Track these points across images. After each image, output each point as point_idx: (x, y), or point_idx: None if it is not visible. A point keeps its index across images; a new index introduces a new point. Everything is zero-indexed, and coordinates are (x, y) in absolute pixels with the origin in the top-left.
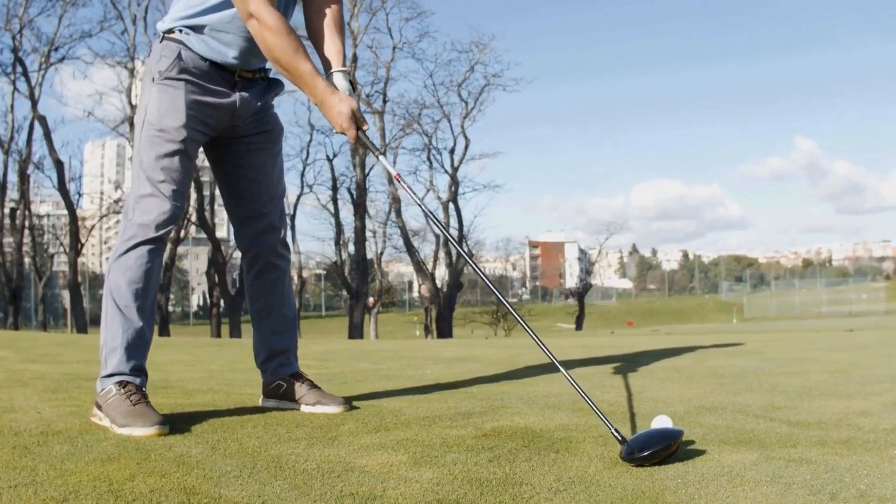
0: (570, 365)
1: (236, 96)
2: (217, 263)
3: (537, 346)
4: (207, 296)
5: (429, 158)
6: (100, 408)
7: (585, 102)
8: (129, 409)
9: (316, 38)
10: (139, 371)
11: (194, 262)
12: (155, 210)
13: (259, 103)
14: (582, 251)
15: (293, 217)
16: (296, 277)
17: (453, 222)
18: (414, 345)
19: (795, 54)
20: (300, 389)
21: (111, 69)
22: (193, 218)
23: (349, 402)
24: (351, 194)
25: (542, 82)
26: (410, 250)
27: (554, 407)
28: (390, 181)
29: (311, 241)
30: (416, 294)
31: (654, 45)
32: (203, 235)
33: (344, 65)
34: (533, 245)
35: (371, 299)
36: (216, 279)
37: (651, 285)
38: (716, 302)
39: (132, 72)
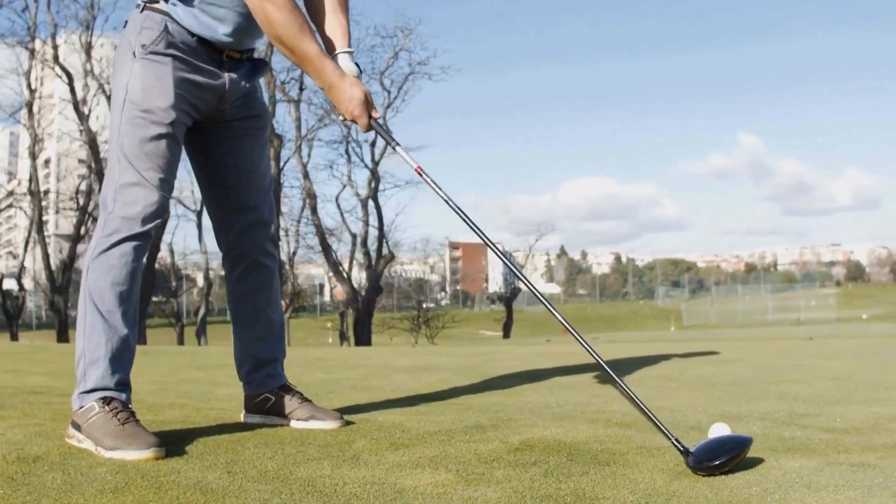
0: (545, 374)
1: (225, 77)
2: None
3: (501, 353)
4: None
5: (347, 152)
6: (78, 428)
7: (512, 93)
8: (116, 429)
9: (316, 14)
10: (124, 385)
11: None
12: (141, 201)
13: (247, 85)
14: (507, 253)
15: (199, 213)
16: (201, 279)
17: (373, 220)
18: (359, 352)
19: (740, 45)
20: (290, 403)
21: (9, 49)
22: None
23: (343, 417)
24: None
25: (468, 71)
26: (326, 251)
27: (567, 418)
28: (305, 176)
29: None
30: (327, 298)
31: (587, 32)
32: None
33: (349, 45)
34: (453, 246)
35: (283, 303)
36: None
37: (581, 290)
38: (652, 308)
39: (33, 53)
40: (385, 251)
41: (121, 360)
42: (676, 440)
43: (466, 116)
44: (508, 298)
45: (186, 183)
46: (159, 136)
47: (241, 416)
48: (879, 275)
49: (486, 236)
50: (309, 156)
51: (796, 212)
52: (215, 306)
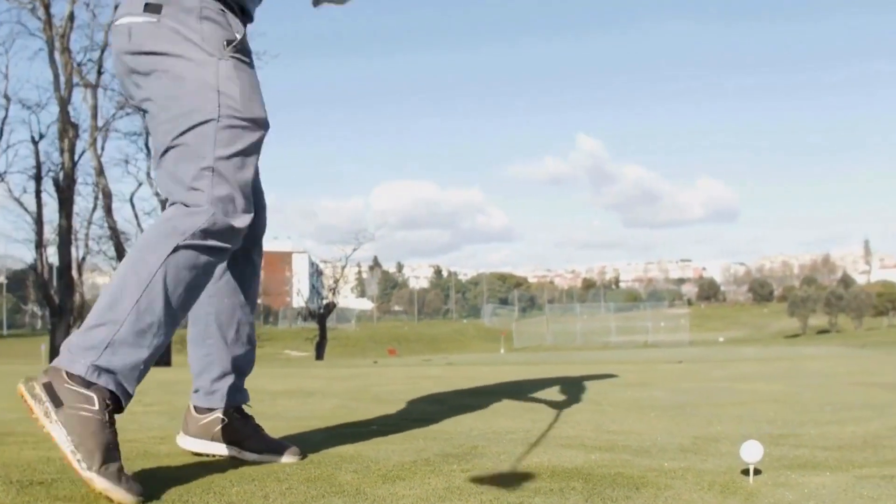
0: (449, 399)
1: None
2: None
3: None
4: None
5: (147, 145)
6: (59, 404)
7: (321, 85)
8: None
9: None
10: (128, 397)
11: None
12: (242, 207)
13: None
14: (313, 264)
15: None
16: None
17: None
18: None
19: (580, 36)
20: (243, 430)
21: None
22: None
23: (300, 450)
24: (57, 186)
25: (281, 58)
26: (122, 257)
27: (538, 444)
28: (100, 172)
29: None
30: None
31: (409, 21)
32: None
33: None
34: None
35: (71, 318)
36: None
37: (397, 306)
38: (478, 328)
39: None
40: None
41: (146, 369)
42: None
43: (270, 109)
44: (322, 315)
45: None
46: (256, 149)
47: (178, 440)
48: (736, 294)
49: None
50: (103, 148)
51: (641, 223)
52: None
